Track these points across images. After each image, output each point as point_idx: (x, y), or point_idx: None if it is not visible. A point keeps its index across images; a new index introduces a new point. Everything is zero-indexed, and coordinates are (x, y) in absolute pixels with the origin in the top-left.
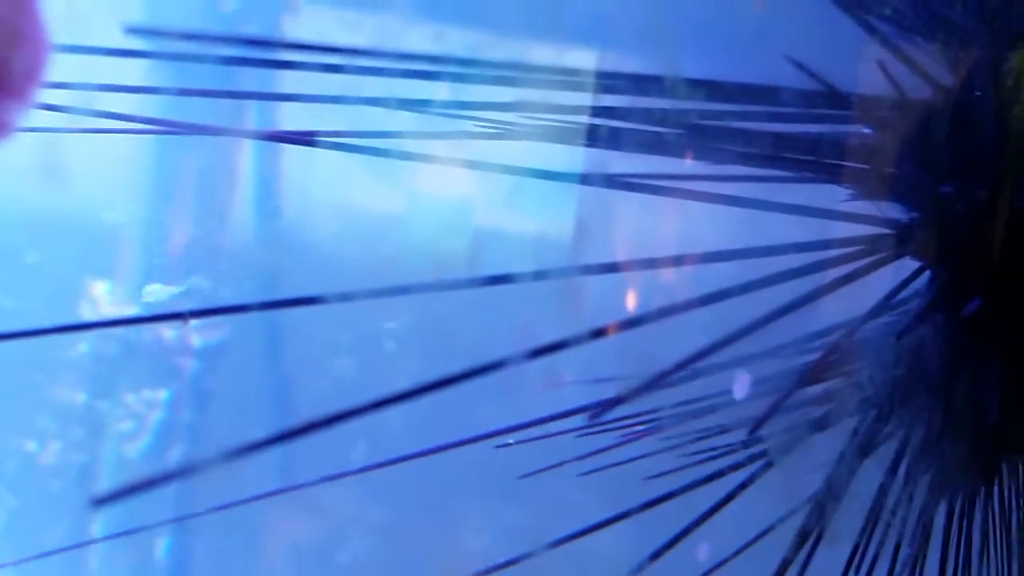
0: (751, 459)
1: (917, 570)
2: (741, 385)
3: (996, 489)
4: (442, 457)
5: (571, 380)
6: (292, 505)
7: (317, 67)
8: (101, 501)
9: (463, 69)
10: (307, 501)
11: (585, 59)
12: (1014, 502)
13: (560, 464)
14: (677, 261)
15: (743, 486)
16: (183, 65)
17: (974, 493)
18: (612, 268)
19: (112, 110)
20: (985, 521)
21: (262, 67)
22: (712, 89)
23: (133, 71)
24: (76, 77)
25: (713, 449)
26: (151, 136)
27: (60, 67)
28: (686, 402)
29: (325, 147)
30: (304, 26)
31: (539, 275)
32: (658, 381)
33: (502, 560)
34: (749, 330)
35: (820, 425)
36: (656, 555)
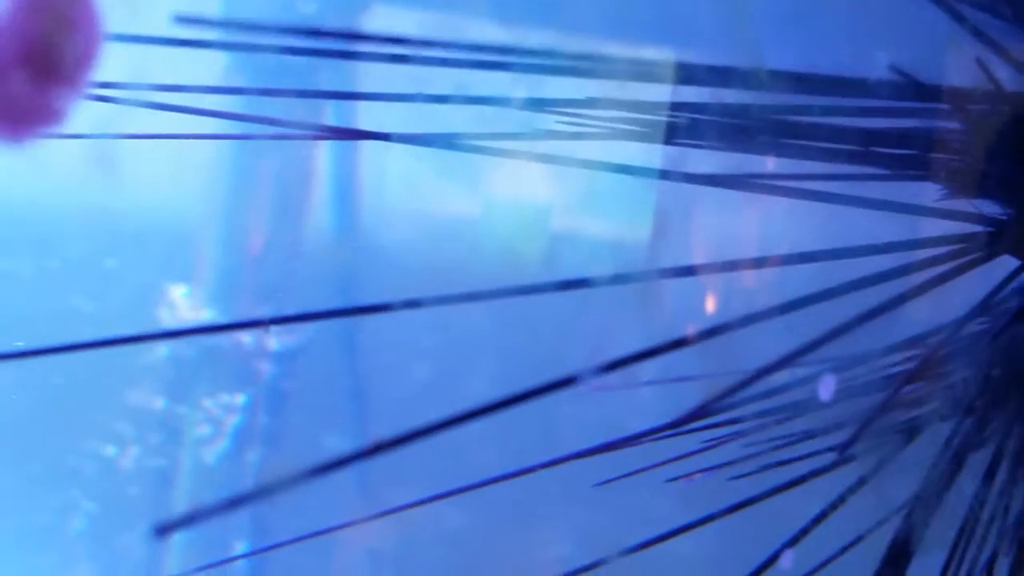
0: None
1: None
2: (827, 387)
3: None
4: (525, 456)
5: (646, 380)
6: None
7: (390, 58)
8: (164, 529)
9: (539, 61)
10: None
11: (663, 53)
12: None
13: (645, 470)
14: (760, 263)
15: (836, 504)
16: (257, 66)
17: None
18: (691, 271)
19: (189, 106)
20: None
21: (327, 57)
22: (796, 81)
23: (206, 71)
24: (146, 73)
25: (802, 457)
26: (229, 140)
27: (127, 62)
28: (772, 409)
29: (402, 142)
30: (380, 25)
31: (615, 279)
32: (743, 387)
33: (581, 565)
34: (838, 333)
35: (913, 435)
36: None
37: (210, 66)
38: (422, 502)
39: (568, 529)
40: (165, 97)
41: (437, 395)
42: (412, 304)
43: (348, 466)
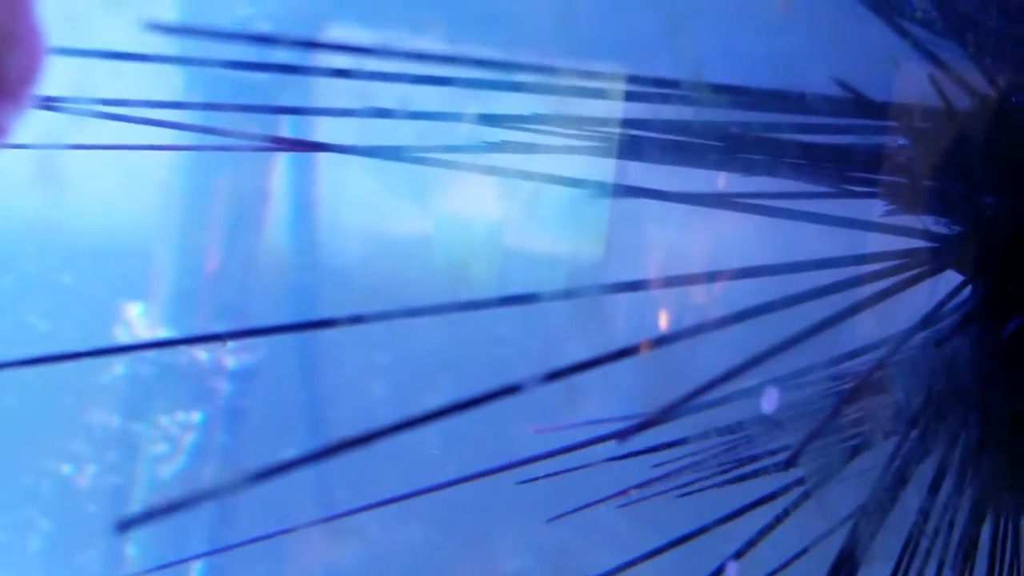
0: (788, 487)
1: None
2: (770, 400)
3: None
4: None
5: (566, 424)
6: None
7: (342, 73)
8: (126, 525)
9: (490, 77)
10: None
11: (608, 68)
12: None
13: (595, 503)
14: (708, 278)
15: (780, 518)
16: (214, 83)
17: (1018, 512)
18: (640, 286)
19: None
20: None
21: (282, 71)
22: (741, 95)
23: (163, 86)
24: (102, 87)
25: (748, 475)
26: (185, 156)
27: (81, 74)
28: (719, 428)
29: (355, 154)
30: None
31: (565, 294)
32: (686, 402)
33: None
34: (783, 348)
35: (858, 449)
36: None
37: (167, 82)
38: (374, 505)
39: (523, 544)
40: (119, 111)
41: (394, 411)
42: (357, 319)
43: (299, 468)
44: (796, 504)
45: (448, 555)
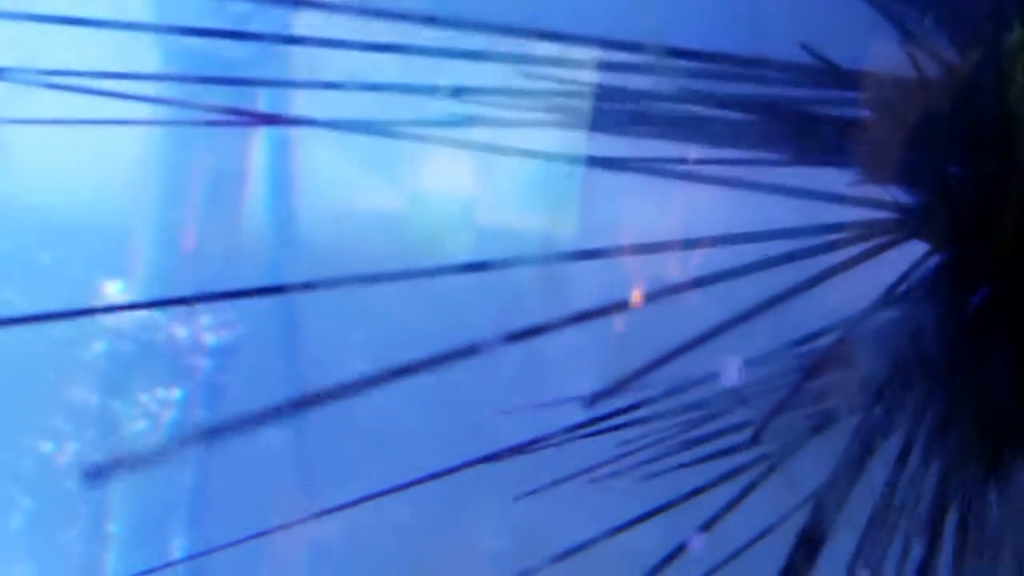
0: (753, 463)
1: (929, 564)
2: (731, 372)
3: (1005, 482)
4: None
5: (531, 403)
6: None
7: (319, 43)
8: (94, 475)
9: (462, 49)
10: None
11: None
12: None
13: (562, 481)
14: (672, 247)
15: (745, 492)
16: (190, 58)
17: (984, 486)
18: (603, 254)
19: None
20: (998, 513)
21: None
22: (706, 60)
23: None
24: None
25: (715, 454)
26: (162, 134)
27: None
28: (683, 405)
29: (330, 128)
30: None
31: (521, 261)
32: (649, 371)
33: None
34: (745, 318)
35: (823, 424)
36: (665, 562)
37: (145, 57)
38: (361, 500)
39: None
40: (91, 83)
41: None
42: (308, 286)
43: (277, 420)
44: (761, 478)
45: (424, 529)
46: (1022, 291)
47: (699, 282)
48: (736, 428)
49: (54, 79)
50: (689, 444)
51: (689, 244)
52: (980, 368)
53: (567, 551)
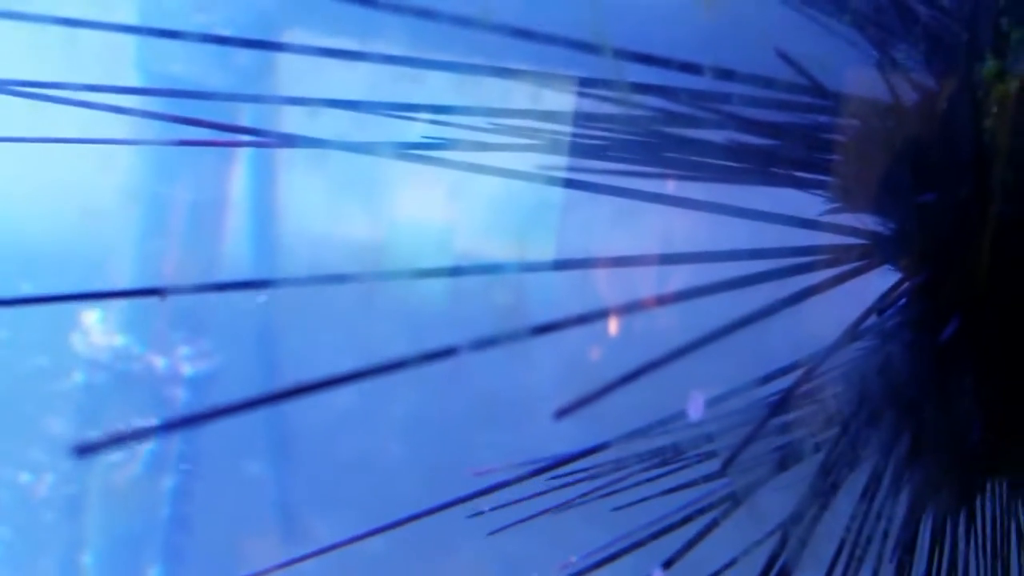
0: (718, 500)
1: None
2: (696, 406)
3: (978, 512)
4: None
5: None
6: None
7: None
8: (84, 450)
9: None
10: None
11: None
12: (995, 525)
13: (530, 518)
14: (640, 261)
15: (709, 528)
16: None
17: (954, 517)
18: (572, 265)
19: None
20: (967, 544)
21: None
22: (684, 71)
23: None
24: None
25: (683, 485)
26: (142, 160)
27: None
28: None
29: (308, 146)
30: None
31: (483, 270)
32: (615, 387)
33: None
34: (710, 339)
35: (788, 461)
36: None
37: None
38: (349, 541)
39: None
40: (69, 95)
41: (356, 420)
42: (264, 284)
43: (245, 411)
44: (725, 514)
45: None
46: (995, 321)
47: (662, 300)
48: (704, 459)
49: (28, 90)
50: (657, 476)
51: (654, 259)
52: (951, 399)
53: None
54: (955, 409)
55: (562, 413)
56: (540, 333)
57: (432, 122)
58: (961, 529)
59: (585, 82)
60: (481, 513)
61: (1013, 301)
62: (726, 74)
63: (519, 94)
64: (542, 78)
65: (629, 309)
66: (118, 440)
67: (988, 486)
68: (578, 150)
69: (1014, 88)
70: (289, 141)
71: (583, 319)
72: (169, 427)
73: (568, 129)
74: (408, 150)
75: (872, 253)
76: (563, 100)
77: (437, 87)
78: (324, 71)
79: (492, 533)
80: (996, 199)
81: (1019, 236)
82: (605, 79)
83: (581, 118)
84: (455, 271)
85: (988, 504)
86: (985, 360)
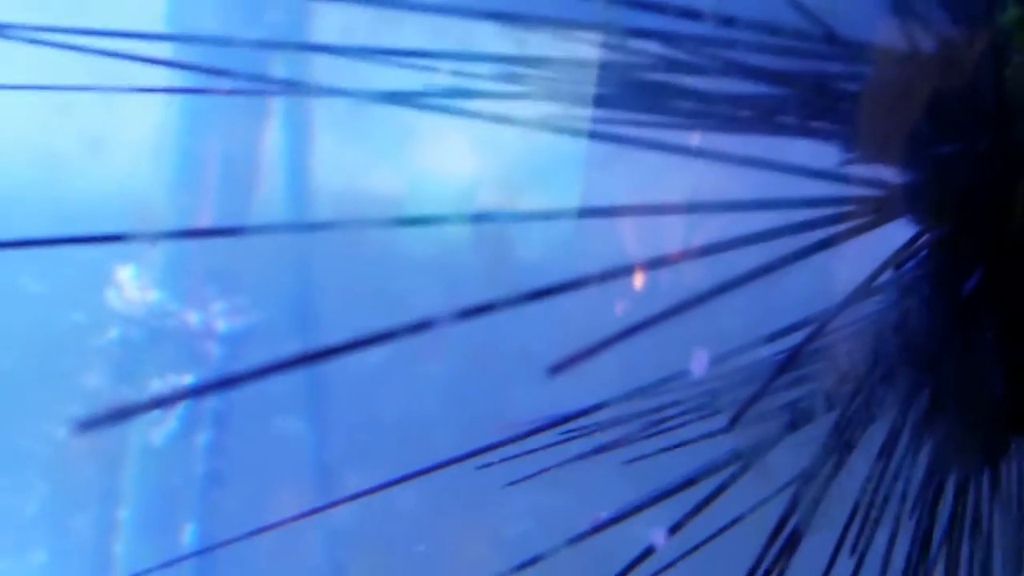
0: (727, 461)
1: (922, 553)
2: (699, 362)
3: (1000, 472)
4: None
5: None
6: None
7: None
8: (87, 425)
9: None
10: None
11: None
12: (1017, 487)
13: (536, 474)
14: (651, 210)
15: (717, 492)
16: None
17: (977, 478)
18: (597, 213)
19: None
20: (991, 506)
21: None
22: (695, 20)
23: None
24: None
25: (691, 440)
26: (174, 117)
27: None
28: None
29: (333, 95)
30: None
31: (473, 218)
32: (618, 340)
33: None
34: (717, 293)
35: (800, 421)
36: (633, 564)
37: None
38: (378, 488)
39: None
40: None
41: (391, 375)
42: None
43: (290, 370)
44: (734, 478)
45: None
46: (1018, 273)
47: (671, 258)
48: (711, 415)
49: (53, 36)
50: (664, 430)
51: (661, 209)
52: (973, 355)
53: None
54: (977, 365)
55: (556, 369)
56: (563, 291)
57: (422, 68)
58: (985, 490)
59: (578, 27)
60: (489, 465)
61: None
62: (728, 21)
63: (504, 40)
64: (530, 23)
65: (636, 268)
66: (120, 414)
67: (1012, 445)
68: (578, 99)
69: None
70: (298, 90)
71: (604, 276)
72: (201, 390)
73: (565, 77)
74: (430, 99)
75: (890, 205)
76: (555, 47)
77: (413, 33)
78: (356, 29)
79: (506, 486)
80: (1018, 149)
81: None
82: (601, 24)
83: (578, 65)
84: (478, 218)
85: (1014, 464)
86: (1008, 314)
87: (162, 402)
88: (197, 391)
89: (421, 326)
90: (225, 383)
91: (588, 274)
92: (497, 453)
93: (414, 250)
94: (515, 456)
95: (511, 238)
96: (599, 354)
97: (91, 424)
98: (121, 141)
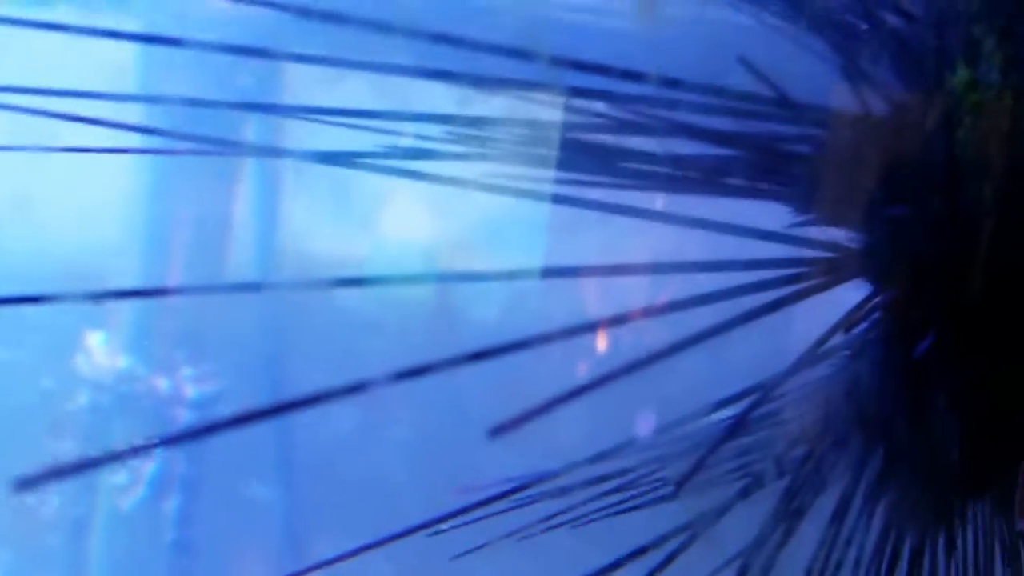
0: (675, 531)
1: None
2: (645, 424)
3: (955, 536)
4: None
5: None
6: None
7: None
8: (25, 484)
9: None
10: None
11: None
12: (972, 550)
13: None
14: (606, 271)
15: (668, 561)
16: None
17: (930, 541)
18: (562, 273)
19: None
20: (947, 568)
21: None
22: (655, 85)
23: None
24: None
25: (638, 505)
26: (145, 181)
27: None
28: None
29: (302, 159)
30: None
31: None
32: (548, 409)
33: None
34: (667, 353)
35: (751, 488)
36: None
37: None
38: (350, 554)
39: None
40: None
41: (361, 442)
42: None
43: (256, 422)
44: (684, 546)
45: None
46: (969, 337)
47: (618, 320)
48: (658, 484)
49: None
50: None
51: (611, 271)
52: (926, 418)
53: None
54: (930, 428)
55: (497, 432)
56: (525, 347)
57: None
58: (940, 554)
59: (522, 85)
60: (442, 532)
61: (989, 315)
62: (673, 83)
63: (448, 100)
64: (474, 81)
65: (598, 326)
66: (60, 473)
67: (967, 508)
68: (527, 159)
69: (987, 98)
70: (248, 151)
71: (567, 333)
72: (168, 442)
73: (512, 137)
74: (393, 161)
75: (842, 267)
76: (501, 107)
77: (355, 90)
78: (329, 90)
79: (454, 558)
80: (970, 212)
81: (995, 248)
82: (545, 83)
83: (526, 125)
84: (441, 277)
85: (969, 527)
86: (960, 377)
87: (99, 462)
88: (136, 452)
89: (360, 387)
90: (205, 431)
91: (534, 335)
92: (456, 520)
93: (386, 315)
94: (475, 520)
95: (475, 300)
96: (542, 415)
97: (32, 482)
98: (90, 204)
